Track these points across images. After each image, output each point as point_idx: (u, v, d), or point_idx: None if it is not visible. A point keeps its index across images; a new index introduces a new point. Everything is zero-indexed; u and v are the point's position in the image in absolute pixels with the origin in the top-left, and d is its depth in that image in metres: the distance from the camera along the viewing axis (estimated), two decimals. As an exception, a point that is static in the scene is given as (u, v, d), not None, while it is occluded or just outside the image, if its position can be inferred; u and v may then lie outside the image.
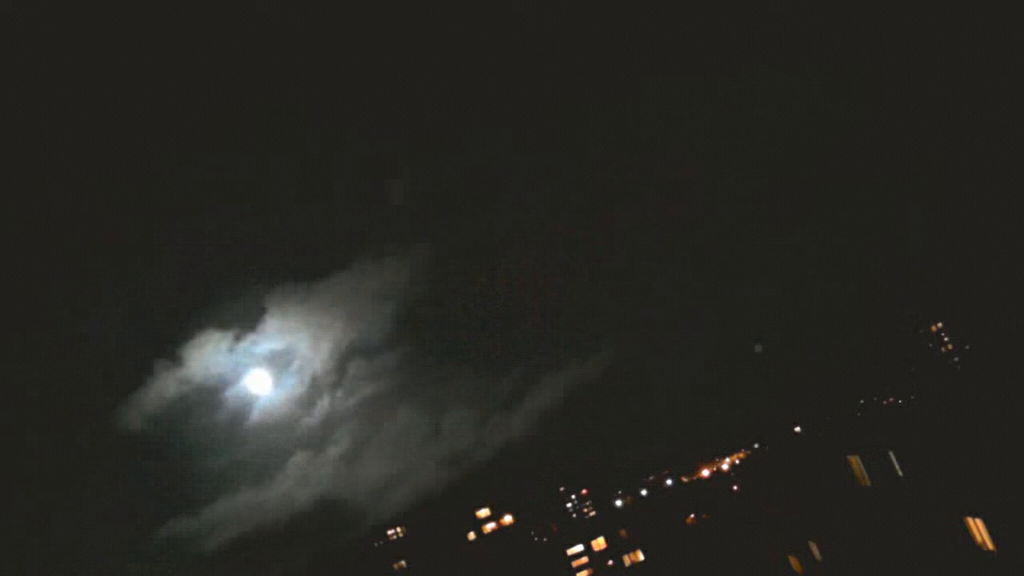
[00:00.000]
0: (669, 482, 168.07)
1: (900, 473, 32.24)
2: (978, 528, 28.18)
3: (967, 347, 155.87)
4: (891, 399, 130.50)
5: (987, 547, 27.95)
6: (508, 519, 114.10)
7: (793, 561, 47.10)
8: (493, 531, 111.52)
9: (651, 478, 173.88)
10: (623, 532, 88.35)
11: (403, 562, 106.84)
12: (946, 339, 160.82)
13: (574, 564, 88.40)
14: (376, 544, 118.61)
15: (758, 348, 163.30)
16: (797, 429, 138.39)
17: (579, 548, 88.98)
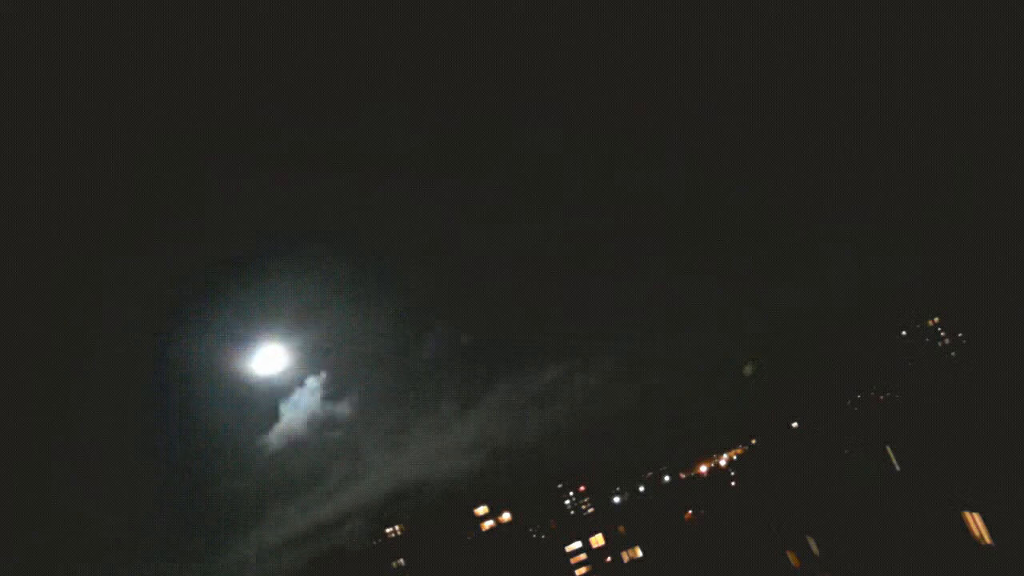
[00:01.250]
0: (667, 479, 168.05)
1: (897, 468, 32.25)
2: (976, 522, 28.15)
3: (964, 342, 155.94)
4: (888, 394, 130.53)
5: (985, 541, 27.93)
6: (506, 517, 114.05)
7: (791, 556, 47.10)
8: (491, 529, 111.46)
9: (649, 475, 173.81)
10: (621, 529, 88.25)
11: (402, 560, 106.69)
12: (943, 334, 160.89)
13: (573, 561, 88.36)
14: (375, 542, 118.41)
15: (748, 370, 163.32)
16: (794, 425, 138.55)
17: (578, 545, 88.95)
